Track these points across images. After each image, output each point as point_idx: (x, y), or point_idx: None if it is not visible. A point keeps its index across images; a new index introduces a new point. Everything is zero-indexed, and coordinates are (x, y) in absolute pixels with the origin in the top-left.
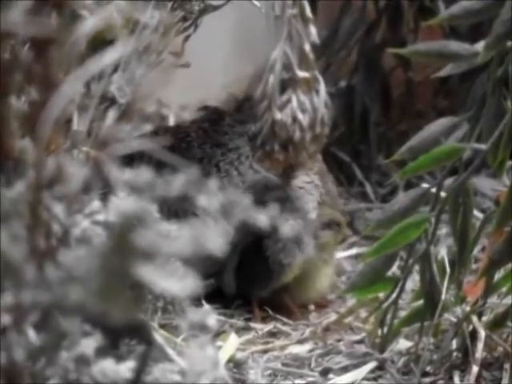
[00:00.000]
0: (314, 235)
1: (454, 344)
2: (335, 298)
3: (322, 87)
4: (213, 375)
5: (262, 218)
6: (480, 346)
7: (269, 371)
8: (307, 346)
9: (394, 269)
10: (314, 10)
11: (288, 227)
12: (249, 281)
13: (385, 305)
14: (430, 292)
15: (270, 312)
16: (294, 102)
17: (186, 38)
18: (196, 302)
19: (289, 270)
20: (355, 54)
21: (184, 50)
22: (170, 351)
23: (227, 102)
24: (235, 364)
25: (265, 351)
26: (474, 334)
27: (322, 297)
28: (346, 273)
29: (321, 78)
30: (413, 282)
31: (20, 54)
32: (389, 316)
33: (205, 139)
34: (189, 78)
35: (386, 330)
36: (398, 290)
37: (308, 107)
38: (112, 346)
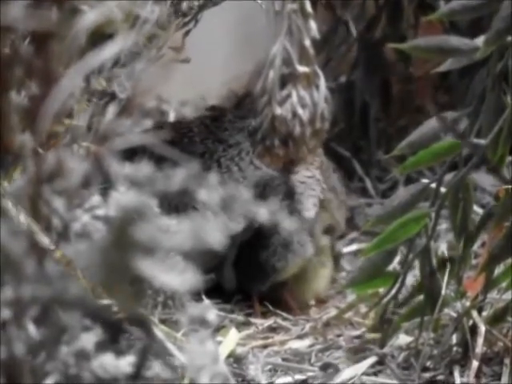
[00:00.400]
0: (311, 233)
1: (454, 339)
2: (335, 293)
3: (322, 82)
4: (213, 370)
5: (261, 213)
6: (480, 340)
7: (269, 366)
8: (307, 341)
9: (394, 264)
10: (314, 5)
11: (287, 224)
12: (248, 276)
13: (385, 300)
14: (430, 287)
15: (270, 307)
16: (294, 97)
17: (186, 34)
18: (196, 296)
19: (283, 271)
20: (355, 49)
21: (184, 46)
22: (170, 346)
23: (227, 97)
24: (235, 359)
25: (265, 346)
26: (474, 329)
27: (319, 297)
28: (346, 269)
29: (321, 73)
30: (413, 277)
31: (20, 48)
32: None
33: (207, 135)
34: (189, 73)
35: (386, 325)
36: (397, 285)
37: (308, 102)
38: (112, 341)
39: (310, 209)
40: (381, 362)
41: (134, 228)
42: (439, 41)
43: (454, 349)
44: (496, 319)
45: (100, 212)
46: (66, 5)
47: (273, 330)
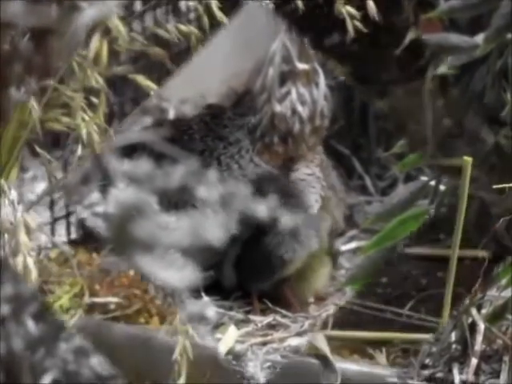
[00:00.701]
0: (315, 229)
1: (453, 336)
2: (334, 290)
3: (322, 79)
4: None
5: (261, 210)
6: (479, 338)
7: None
8: (306, 339)
9: None
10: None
11: (288, 220)
12: (249, 274)
13: None
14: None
15: (270, 304)
16: (294, 95)
17: None
18: (195, 293)
19: (290, 264)
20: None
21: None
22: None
23: (227, 95)
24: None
25: (264, 343)
26: (473, 327)
27: (318, 295)
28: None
29: (320, 71)
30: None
31: (20, 44)
32: None
33: (207, 132)
34: (189, 71)
35: None
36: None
37: (307, 99)
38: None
39: (311, 205)
40: None
41: (133, 225)
42: (439, 38)
43: (453, 346)
44: (495, 317)
45: (99, 209)
46: (66, 2)
47: (272, 327)
